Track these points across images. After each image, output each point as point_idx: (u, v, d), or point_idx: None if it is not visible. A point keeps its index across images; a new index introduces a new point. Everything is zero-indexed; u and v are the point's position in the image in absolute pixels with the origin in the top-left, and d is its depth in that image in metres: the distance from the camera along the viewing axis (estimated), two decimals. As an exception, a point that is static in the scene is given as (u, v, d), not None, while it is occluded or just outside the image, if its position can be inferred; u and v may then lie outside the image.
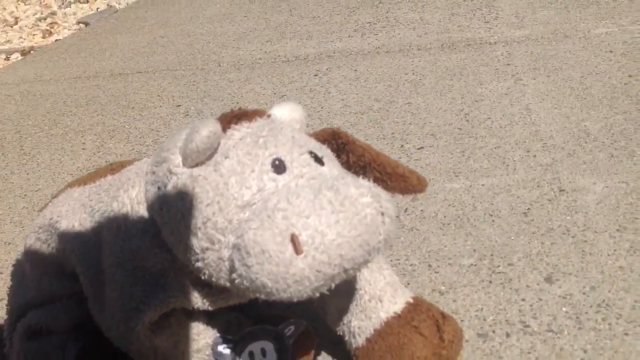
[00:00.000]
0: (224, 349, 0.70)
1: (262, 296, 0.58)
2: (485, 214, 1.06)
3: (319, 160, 0.63)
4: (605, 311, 0.82)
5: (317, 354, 0.78)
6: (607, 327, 0.79)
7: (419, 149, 1.31)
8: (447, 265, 0.95)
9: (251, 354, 0.71)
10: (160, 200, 0.63)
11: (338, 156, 0.70)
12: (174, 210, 0.61)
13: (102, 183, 0.73)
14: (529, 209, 1.05)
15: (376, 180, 0.69)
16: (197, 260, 0.61)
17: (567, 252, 0.93)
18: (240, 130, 0.63)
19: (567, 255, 0.93)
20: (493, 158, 1.23)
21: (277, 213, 0.57)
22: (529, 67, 1.63)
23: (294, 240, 0.56)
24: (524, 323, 0.82)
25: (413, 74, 1.71)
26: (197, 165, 0.62)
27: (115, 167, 0.75)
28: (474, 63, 1.72)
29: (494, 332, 0.81)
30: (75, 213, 0.72)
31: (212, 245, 0.60)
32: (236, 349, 0.70)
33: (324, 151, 0.65)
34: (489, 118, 1.39)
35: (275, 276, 0.56)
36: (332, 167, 0.63)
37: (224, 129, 0.63)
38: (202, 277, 0.63)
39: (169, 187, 0.62)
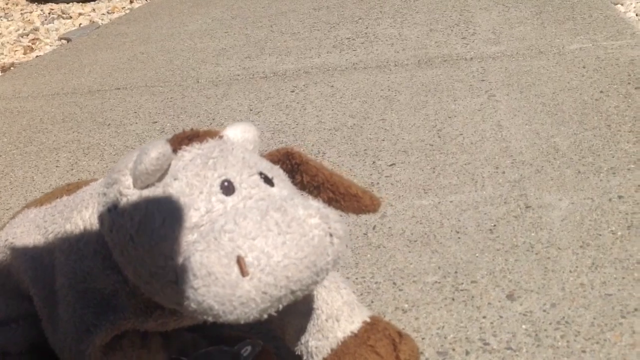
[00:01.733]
0: (178, 370, 0.69)
1: (210, 318, 0.58)
2: (451, 231, 1.06)
3: (268, 181, 0.63)
4: (564, 328, 0.82)
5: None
6: (566, 344, 0.79)
7: (390, 165, 1.31)
8: (412, 283, 0.95)
9: (207, 376, 0.71)
10: (110, 221, 0.62)
11: (292, 176, 0.70)
12: (123, 231, 0.61)
13: (58, 204, 0.73)
14: (495, 225, 1.06)
15: (329, 201, 0.70)
16: (147, 283, 0.61)
17: (529, 269, 0.94)
18: (190, 152, 0.63)
19: (529, 272, 0.93)
20: (462, 174, 1.23)
21: (224, 235, 0.57)
22: (502, 83, 1.65)
23: (240, 262, 0.56)
24: (484, 341, 0.82)
25: (389, 89, 1.72)
26: (147, 186, 0.62)
27: (71, 188, 0.75)
28: (449, 79, 1.73)
29: (453, 349, 0.81)
30: (30, 234, 0.72)
31: (161, 267, 0.60)
32: (191, 370, 0.70)
33: (275, 172, 0.65)
34: (461, 134, 1.40)
35: (222, 298, 0.56)
36: (282, 187, 0.63)
37: (175, 150, 0.63)
38: (153, 299, 0.63)
39: (119, 208, 0.62)
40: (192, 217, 0.59)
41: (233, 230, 0.57)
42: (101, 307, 0.65)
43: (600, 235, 0.99)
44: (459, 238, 1.04)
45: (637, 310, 0.83)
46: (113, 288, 0.65)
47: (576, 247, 0.97)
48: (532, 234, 1.02)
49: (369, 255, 1.03)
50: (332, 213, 0.61)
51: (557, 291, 0.89)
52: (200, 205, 0.60)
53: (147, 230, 0.60)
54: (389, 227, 1.10)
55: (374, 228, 1.10)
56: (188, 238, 0.59)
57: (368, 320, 0.74)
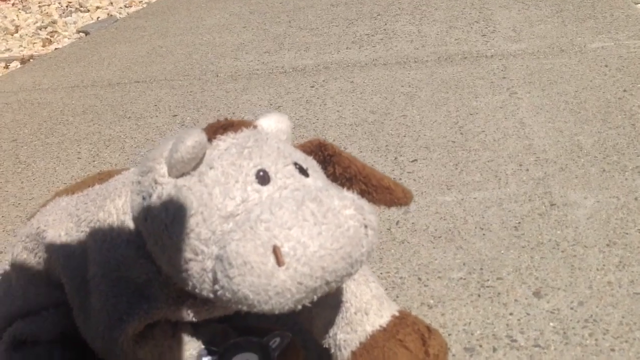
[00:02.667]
0: (208, 360, 0.69)
1: (244, 308, 0.58)
2: (476, 228, 1.06)
3: (303, 171, 0.63)
4: (592, 326, 0.81)
5: (303, 365, 0.77)
6: (594, 342, 0.79)
7: (412, 161, 1.31)
8: (437, 279, 0.94)
9: (236, 366, 0.70)
10: (145, 210, 0.63)
11: (324, 168, 0.70)
12: (158, 220, 0.61)
13: (90, 192, 0.73)
14: (519, 222, 1.05)
15: (362, 193, 0.70)
16: (181, 272, 0.61)
17: (556, 266, 0.93)
18: (225, 141, 0.63)
19: (556, 270, 0.93)
20: (486, 171, 1.23)
21: (260, 224, 0.56)
22: (524, 81, 1.64)
23: (276, 251, 0.56)
24: (511, 337, 0.82)
25: (409, 86, 1.71)
26: (182, 175, 0.62)
27: (103, 177, 0.75)
28: (470, 76, 1.72)
29: (480, 346, 0.81)
30: (62, 222, 0.72)
31: (196, 256, 0.60)
32: (221, 360, 0.70)
33: (309, 162, 0.65)
34: (483, 131, 1.40)
35: (257, 288, 0.56)
36: (316, 178, 0.63)
37: (210, 139, 0.63)
38: (186, 289, 0.63)
39: (154, 197, 0.62)
40: (228, 206, 0.59)
41: (269, 220, 0.57)
42: (134, 296, 0.65)
43: (627, 234, 0.98)
44: (484, 235, 1.03)
45: (666, 309, 0.82)
46: (146, 277, 0.65)
47: (602, 246, 0.96)
48: (558, 232, 1.01)
49: (392, 251, 1.03)
50: (366, 204, 0.60)
51: (585, 289, 0.88)
52: (236, 194, 0.60)
53: (182, 219, 0.60)
54: (413, 223, 1.09)
55: (397, 224, 1.10)
56: (224, 227, 0.59)
57: (397, 314, 0.74)
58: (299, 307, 0.58)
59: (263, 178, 0.61)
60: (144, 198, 0.63)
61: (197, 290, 0.62)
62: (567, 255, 0.95)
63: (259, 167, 0.61)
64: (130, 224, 0.66)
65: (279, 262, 0.55)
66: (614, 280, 0.89)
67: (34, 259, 0.74)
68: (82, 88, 2.05)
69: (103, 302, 0.65)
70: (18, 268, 0.76)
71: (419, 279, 0.95)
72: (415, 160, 1.31)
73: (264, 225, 0.57)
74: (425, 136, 1.41)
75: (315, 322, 0.75)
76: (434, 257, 1.00)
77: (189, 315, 0.67)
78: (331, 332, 0.74)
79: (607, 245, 0.96)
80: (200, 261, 0.60)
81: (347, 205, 0.59)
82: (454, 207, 1.12)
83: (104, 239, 0.67)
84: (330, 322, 0.74)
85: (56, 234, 0.71)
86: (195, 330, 0.71)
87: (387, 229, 1.08)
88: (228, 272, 0.56)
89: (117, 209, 0.68)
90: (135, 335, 0.65)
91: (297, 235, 0.56)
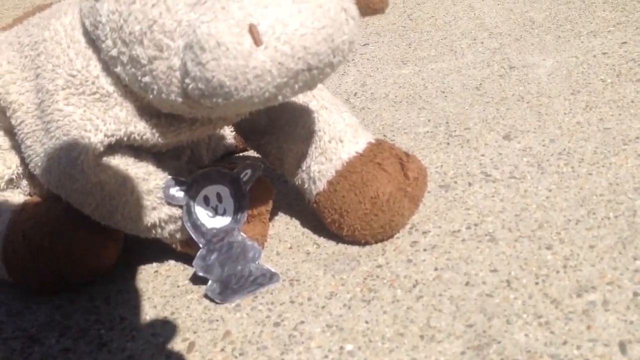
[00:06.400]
0: (176, 192, 0.64)
1: (220, 101, 0.52)
2: (437, 92, 1.03)
3: (273, -36, 0.57)
4: (566, 158, 0.80)
5: (275, 206, 0.73)
6: (570, 169, 0.77)
7: (363, 45, 1.27)
8: (403, 134, 0.91)
9: (206, 199, 0.65)
10: (98, 11, 0.56)
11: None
12: (115, 17, 0.55)
13: (30, 20, 0.66)
14: (480, 84, 1.03)
15: None
16: (145, 74, 0.55)
17: (523, 114, 0.91)
18: None
19: (523, 117, 0.91)
20: (440, 47, 1.20)
21: (232, 4, 0.51)
22: (468, -25, 1.61)
23: (252, 30, 0.50)
24: (486, 173, 0.79)
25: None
26: (138, -28, 0.56)
27: (43, 7, 0.68)
28: (413, -25, 1.69)
29: (455, 182, 0.78)
30: (2, 53, 0.65)
31: (161, 53, 0.54)
32: (189, 192, 0.64)
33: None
34: (433, 16, 1.36)
35: (234, 72, 0.50)
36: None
37: None
38: (150, 96, 0.57)
39: (109, -4, 0.56)
40: (193, -7, 0.54)
41: (242, 0, 0.51)
42: (92, 113, 0.58)
43: (590, 83, 0.97)
44: (446, 96, 1.01)
45: (639, 139, 0.81)
46: (104, 92, 0.59)
47: (567, 94, 0.95)
48: (521, 88, 0.99)
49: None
50: (344, -6, 0.56)
51: (554, 129, 0.86)
52: (202, -19, 0.54)
53: (143, 10, 0.54)
54: (371, 93, 1.06)
55: (355, 94, 1.06)
56: (190, 16, 0.53)
57: (373, 141, 0.70)
58: (280, 97, 0.53)
59: (231, -35, 0.55)
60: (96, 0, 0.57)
61: (163, 96, 0.56)
62: (533, 105, 0.93)
63: (225, -47, 0.55)
64: (81, 37, 0.60)
65: (257, 41, 0.50)
66: (583, 120, 0.88)
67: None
68: (3, 11, 1.91)
69: (59, 121, 0.59)
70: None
71: (384, 135, 0.91)
72: (367, 44, 1.27)
73: (236, 4, 0.51)
74: (374, 24, 1.37)
75: (287, 158, 0.71)
76: (397, 117, 0.96)
77: (154, 136, 0.61)
78: (304, 166, 0.70)
79: (572, 93, 0.95)
80: (165, 58, 0.54)
81: (324, -10, 0.53)
82: (412, 77, 1.09)
83: (52, 55, 0.60)
84: (303, 155, 0.70)
85: (-4, 65, 0.64)
86: (161, 163, 0.65)
87: (345, 100, 1.04)
88: (200, 57, 0.51)
89: (64, 25, 0.61)
90: (96, 157, 0.59)
91: (275, 13, 0.51)
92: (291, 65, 0.51)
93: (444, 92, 1.02)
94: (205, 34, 0.51)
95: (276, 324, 0.60)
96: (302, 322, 0.60)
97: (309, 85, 0.54)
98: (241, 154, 0.90)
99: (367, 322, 0.59)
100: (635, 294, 0.57)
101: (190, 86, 0.53)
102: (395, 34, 1.30)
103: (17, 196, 0.69)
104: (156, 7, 0.53)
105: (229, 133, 0.87)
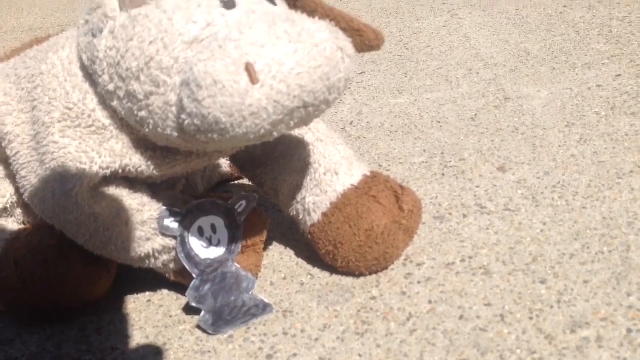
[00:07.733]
0: (171, 223, 0.64)
1: (215, 137, 0.53)
2: (432, 121, 1.03)
3: (270, 0, 0.58)
4: (561, 191, 0.80)
5: (270, 236, 0.73)
6: (565, 203, 0.77)
7: (360, 74, 1.28)
8: (398, 164, 0.92)
9: (200, 230, 0.66)
10: (96, 47, 0.57)
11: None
12: (112, 53, 0.56)
13: (28, 53, 0.67)
14: (476, 114, 1.03)
15: (330, 36, 0.65)
16: (141, 109, 0.56)
17: (518, 146, 0.92)
18: (184, -31, 0.58)
19: (518, 149, 0.91)
20: (436, 77, 1.21)
21: (229, 43, 0.52)
22: (464, 4, 1.63)
23: (249, 68, 0.51)
24: (480, 205, 0.79)
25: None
26: (136, 7, 0.56)
27: (41, 40, 0.69)
28: (409, 3, 1.70)
29: (450, 214, 0.78)
30: (-1, 85, 0.65)
31: (157, 89, 0.54)
32: (184, 223, 0.65)
33: (276, -3, 0.60)
34: (429, 46, 1.37)
35: (230, 109, 0.51)
36: (284, 7, 0.59)
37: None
38: (146, 130, 0.57)
39: (105, 32, 0.57)
40: (191, 30, 0.54)
41: (239, 39, 0.52)
42: (88, 146, 0.59)
43: (584, 116, 0.98)
44: (441, 126, 1.01)
45: (633, 172, 0.82)
46: (100, 125, 0.59)
47: (562, 127, 0.96)
48: (515, 119, 1.00)
49: (349, 145, 0.99)
50: (340, 31, 0.56)
51: (549, 162, 0.87)
52: (199, 18, 0.55)
53: (140, 48, 0.54)
54: (367, 122, 1.06)
55: (351, 123, 1.06)
56: (187, 53, 0.54)
57: (368, 174, 0.71)
58: (275, 133, 0.54)
59: (227, 3, 0.56)
60: (94, 35, 0.58)
61: (159, 130, 0.56)
62: (528, 137, 0.94)
63: (223, -9, 0.56)
64: (78, 71, 0.60)
65: (253, 79, 0.51)
66: (577, 153, 0.88)
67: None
68: (1, 34, 1.93)
69: (55, 153, 0.59)
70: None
71: (380, 165, 0.92)
72: (363, 72, 1.28)
73: (233, 44, 0.52)
74: (371, 53, 1.38)
75: (281, 189, 0.71)
76: (393, 147, 0.97)
77: (150, 169, 0.61)
78: (299, 197, 0.70)
79: (566, 126, 0.96)
80: (162, 94, 0.55)
81: (321, 29, 0.54)
82: (407, 107, 1.10)
83: (49, 88, 0.60)
84: (298, 187, 0.70)
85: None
86: (155, 194, 0.65)
87: (342, 129, 1.04)
88: (196, 94, 0.51)
89: (61, 59, 0.62)
90: (90, 189, 0.59)
91: (271, 52, 0.51)
92: (287, 103, 0.52)
93: (439, 122, 1.02)
94: (202, 72, 0.51)
95: (269, 356, 0.60)
96: (295, 354, 0.60)
97: (305, 122, 0.55)
98: (236, 182, 0.90)
99: (360, 356, 0.58)
100: (629, 331, 0.57)
101: (187, 122, 0.53)
102: (391, 62, 1.31)
103: (11, 224, 0.69)
104: (154, 45, 0.54)
105: (224, 162, 0.87)
